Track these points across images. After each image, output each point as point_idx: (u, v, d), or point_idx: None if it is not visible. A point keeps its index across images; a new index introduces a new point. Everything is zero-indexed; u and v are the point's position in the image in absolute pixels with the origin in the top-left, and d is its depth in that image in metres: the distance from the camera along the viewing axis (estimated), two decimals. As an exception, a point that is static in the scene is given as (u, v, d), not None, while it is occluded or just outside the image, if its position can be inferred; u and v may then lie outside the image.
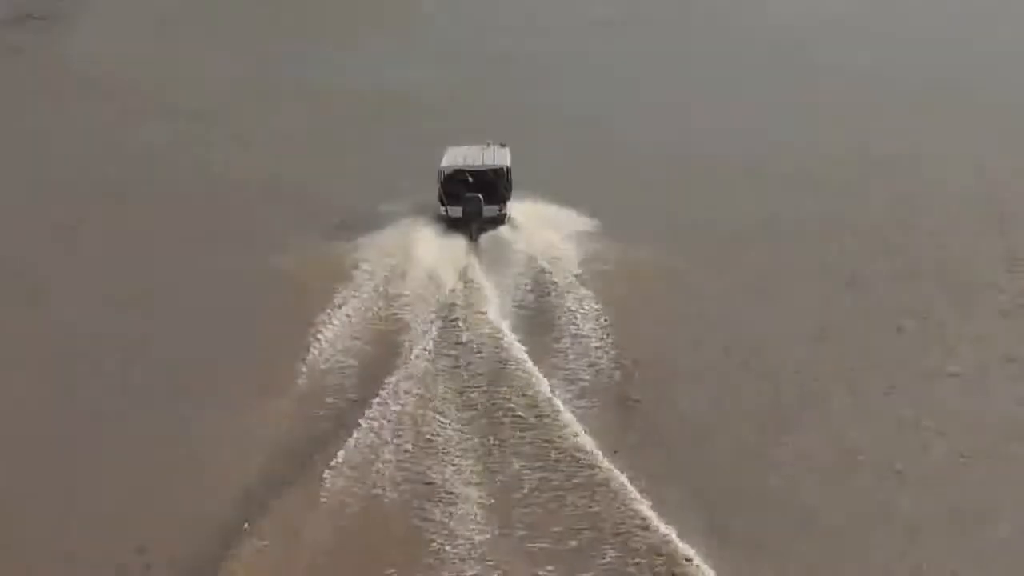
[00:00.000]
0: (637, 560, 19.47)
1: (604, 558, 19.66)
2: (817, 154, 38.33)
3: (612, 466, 21.50)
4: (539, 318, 27.44)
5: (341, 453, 22.00)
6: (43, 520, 21.44)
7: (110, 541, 20.76)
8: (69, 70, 50.21)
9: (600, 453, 21.96)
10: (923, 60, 48.55)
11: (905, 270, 30.27)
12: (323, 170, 38.16)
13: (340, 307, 27.68)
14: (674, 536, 19.74)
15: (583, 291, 28.39)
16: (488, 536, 20.18)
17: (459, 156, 33.13)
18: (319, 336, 26.48)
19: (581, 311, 27.41)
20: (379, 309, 27.74)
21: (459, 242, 31.00)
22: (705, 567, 19.10)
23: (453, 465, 22.02)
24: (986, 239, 31.76)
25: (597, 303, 27.82)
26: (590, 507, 20.66)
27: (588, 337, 26.42)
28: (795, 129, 41.23)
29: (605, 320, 27.07)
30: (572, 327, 26.89)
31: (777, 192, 35.51)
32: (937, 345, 26.58)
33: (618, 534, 20.11)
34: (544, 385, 23.99)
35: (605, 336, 26.39)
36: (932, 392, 24.92)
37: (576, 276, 29.19)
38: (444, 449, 22.40)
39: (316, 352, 25.91)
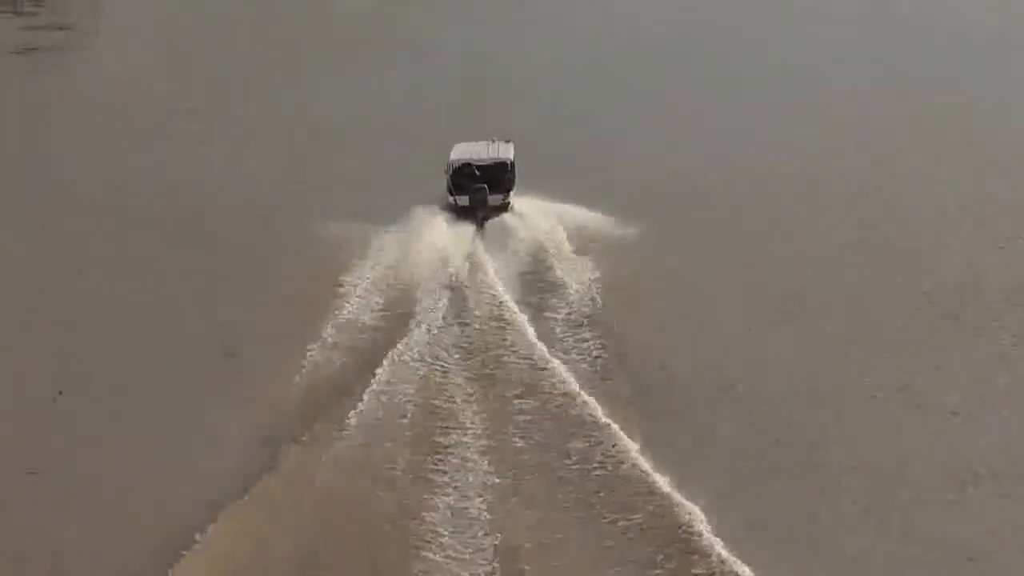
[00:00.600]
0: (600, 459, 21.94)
1: (587, 481, 21.51)
2: (822, 159, 39.08)
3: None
4: (537, 291, 29.32)
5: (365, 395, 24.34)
6: (55, 509, 22.24)
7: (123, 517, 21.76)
8: (78, 89, 50.82)
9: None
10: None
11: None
12: (332, 172, 39.32)
13: (356, 283, 29.62)
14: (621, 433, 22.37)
15: (578, 267, 30.49)
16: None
17: (467, 151, 35.14)
18: (339, 307, 28.38)
19: (576, 281, 29.68)
20: (393, 283, 29.65)
21: (466, 228, 32.83)
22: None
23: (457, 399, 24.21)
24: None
25: (590, 277, 29.94)
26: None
27: (580, 304, 28.51)
28: (799, 133, 41.57)
29: (596, 292, 29.12)
30: (566, 297, 28.88)
31: (779, 197, 36.22)
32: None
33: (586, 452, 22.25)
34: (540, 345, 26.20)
35: (596, 306, 28.42)
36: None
37: (571, 255, 31.24)
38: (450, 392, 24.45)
39: (336, 320, 27.82)
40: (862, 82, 47.71)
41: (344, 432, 23.16)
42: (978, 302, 28.92)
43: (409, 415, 23.76)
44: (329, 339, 26.94)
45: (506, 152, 35.05)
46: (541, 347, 26.10)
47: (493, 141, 35.75)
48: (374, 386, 24.54)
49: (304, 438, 23.19)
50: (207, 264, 32.25)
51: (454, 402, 24.19)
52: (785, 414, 24.29)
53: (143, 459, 23.41)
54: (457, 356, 25.95)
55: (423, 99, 46.07)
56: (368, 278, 29.84)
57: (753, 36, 55.89)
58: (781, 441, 23.45)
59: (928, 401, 24.80)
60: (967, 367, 25.93)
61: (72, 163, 40.86)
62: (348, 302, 28.63)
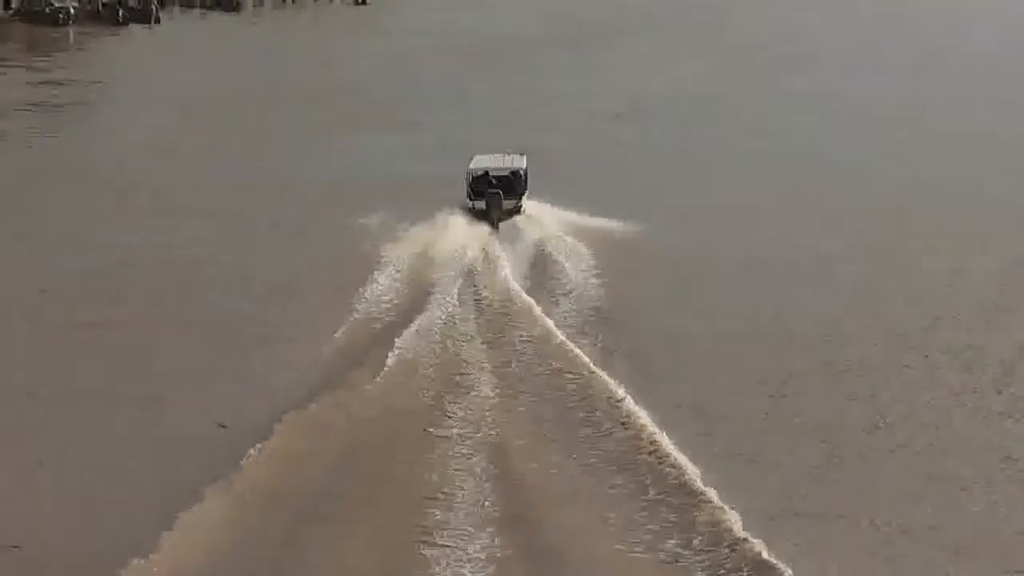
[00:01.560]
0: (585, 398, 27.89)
1: (576, 416, 27.22)
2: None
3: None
4: (540, 274, 35.97)
5: (391, 353, 30.02)
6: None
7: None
8: (71, 161, 50.66)
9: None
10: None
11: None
12: (358, 190, 45.02)
13: (386, 266, 36.15)
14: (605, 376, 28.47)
15: (578, 256, 37.26)
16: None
17: (484, 161, 41.94)
18: (370, 283, 34.76)
19: (575, 269, 36.18)
20: (417, 268, 36.04)
21: (483, 227, 39.34)
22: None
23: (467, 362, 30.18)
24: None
25: (588, 264, 36.55)
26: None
27: (577, 287, 35.08)
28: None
29: (594, 277, 35.58)
30: (566, 284, 35.30)
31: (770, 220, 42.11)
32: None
33: (584, 397, 27.96)
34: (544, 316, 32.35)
35: (591, 287, 34.99)
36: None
37: (573, 248, 37.95)
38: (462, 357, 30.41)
39: (369, 293, 34.17)
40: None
41: (378, 373, 29.16)
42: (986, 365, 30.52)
43: (430, 361, 29.85)
44: (364, 309, 33.26)
45: (519, 163, 41.84)
46: (539, 313, 32.36)
47: (508, 153, 42.56)
48: (402, 340, 30.56)
49: (348, 373, 29.28)
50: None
51: (466, 349, 30.57)
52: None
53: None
54: (469, 321, 32.10)
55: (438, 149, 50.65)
56: (397, 265, 36.14)
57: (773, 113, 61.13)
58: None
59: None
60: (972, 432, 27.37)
61: (65, 230, 41.01)
62: (380, 282, 34.89)
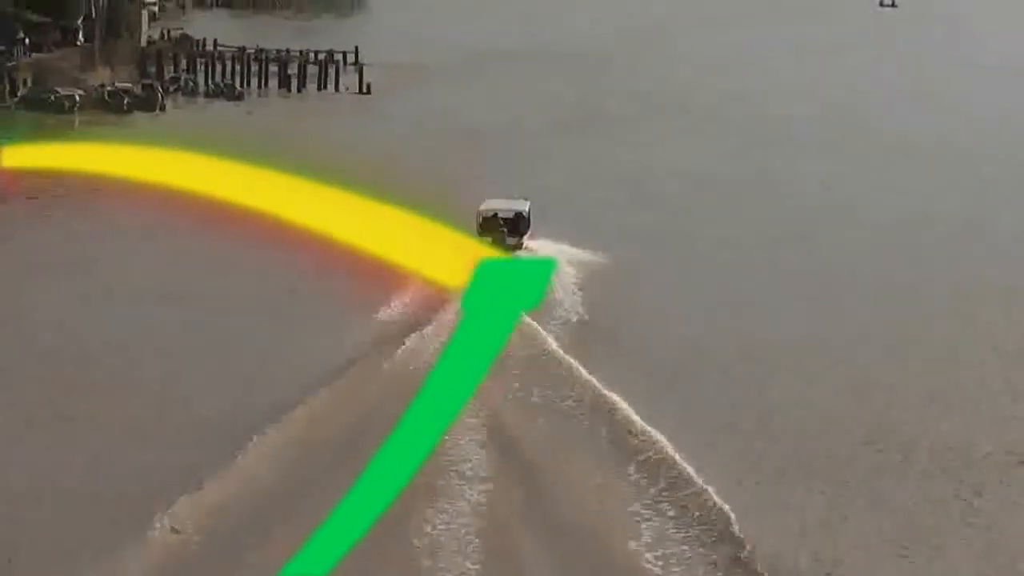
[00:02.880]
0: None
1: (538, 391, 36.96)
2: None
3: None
4: None
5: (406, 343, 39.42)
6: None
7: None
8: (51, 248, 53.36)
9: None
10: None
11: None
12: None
13: (403, 284, 44.94)
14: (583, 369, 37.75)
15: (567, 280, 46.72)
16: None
17: (493, 204, 51.06)
18: (396, 296, 43.95)
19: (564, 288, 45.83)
20: (432, 290, 44.61)
21: None
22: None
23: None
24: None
25: (575, 283, 46.38)
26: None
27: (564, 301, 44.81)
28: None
29: (579, 297, 45.23)
30: (555, 295, 45.02)
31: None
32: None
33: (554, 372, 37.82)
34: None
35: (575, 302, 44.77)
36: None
37: (564, 274, 47.34)
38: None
39: (398, 299, 43.77)
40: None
41: (393, 356, 38.31)
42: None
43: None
44: (386, 313, 42.61)
45: (523, 206, 51.05)
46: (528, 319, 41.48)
47: (514, 198, 51.60)
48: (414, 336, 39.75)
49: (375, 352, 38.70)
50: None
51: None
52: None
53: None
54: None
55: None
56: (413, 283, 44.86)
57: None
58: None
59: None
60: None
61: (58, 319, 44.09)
62: (400, 297, 43.82)
